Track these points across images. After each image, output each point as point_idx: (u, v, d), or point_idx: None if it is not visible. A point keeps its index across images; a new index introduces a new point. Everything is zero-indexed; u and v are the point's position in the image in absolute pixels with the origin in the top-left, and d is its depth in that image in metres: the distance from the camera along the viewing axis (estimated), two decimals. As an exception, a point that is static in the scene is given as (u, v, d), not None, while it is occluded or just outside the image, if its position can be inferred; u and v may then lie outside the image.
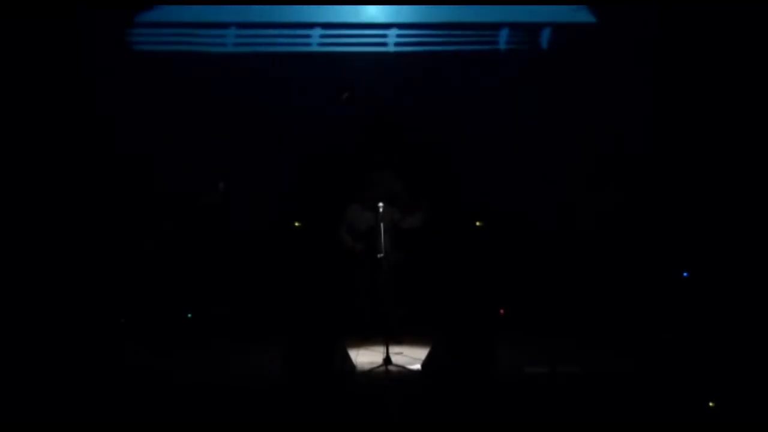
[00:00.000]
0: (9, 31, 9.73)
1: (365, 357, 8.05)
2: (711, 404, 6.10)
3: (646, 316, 8.46)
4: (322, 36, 10.29)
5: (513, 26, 10.31)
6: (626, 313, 8.49)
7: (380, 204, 8.34)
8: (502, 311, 9.88)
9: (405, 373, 7.54)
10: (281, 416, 6.24)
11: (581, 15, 10.24)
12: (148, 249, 8.84)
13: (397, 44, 10.32)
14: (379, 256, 8.10)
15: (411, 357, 8.01)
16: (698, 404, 6.21)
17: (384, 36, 10.31)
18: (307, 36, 10.30)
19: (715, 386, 6.73)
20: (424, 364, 7.56)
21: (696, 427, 5.71)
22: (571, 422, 5.80)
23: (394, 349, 8.00)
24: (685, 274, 9.67)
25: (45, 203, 9.60)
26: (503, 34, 10.33)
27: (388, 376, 7.48)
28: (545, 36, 10.31)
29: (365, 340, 8.75)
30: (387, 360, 7.65)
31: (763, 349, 7.72)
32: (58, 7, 9.48)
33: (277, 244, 9.95)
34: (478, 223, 9.87)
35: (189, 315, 9.76)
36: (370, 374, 7.49)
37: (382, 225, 8.17)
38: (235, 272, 9.17)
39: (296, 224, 9.94)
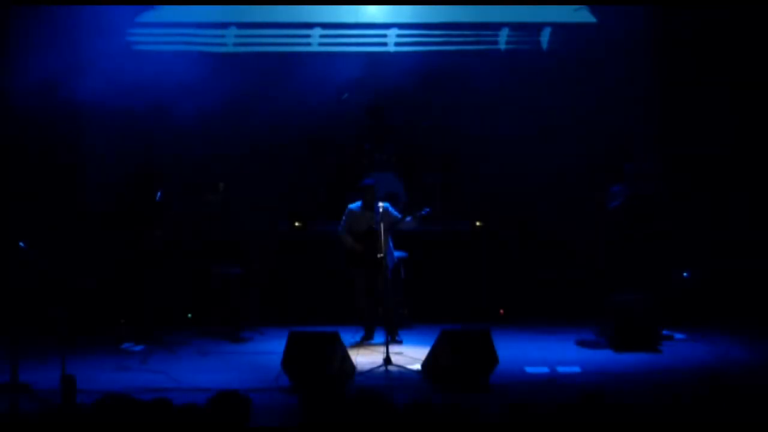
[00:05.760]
0: (8, 30, 9.76)
1: (365, 357, 8.04)
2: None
3: (646, 315, 8.45)
4: (322, 36, 10.28)
5: (513, 26, 10.31)
6: (626, 313, 8.48)
7: (380, 204, 8.34)
8: (502, 311, 9.87)
9: (405, 373, 7.54)
10: (281, 417, 6.24)
11: (581, 15, 10.24)
12: (146, 249, 8.83)
13: (397, 44, 10.31)
14: (379, 256, 8.09)
15: (411, 357, 8.00)
16: (698, 403, 6.20)
17: (384, 36, 10.30)
18: (307, 36, 10.29)
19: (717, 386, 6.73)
20: (424, 364, 7.56)
21: (696, 427, 5.70)
22: (571, 422, 5.79)
23: (394, 349, 8.00)
24: (685, 274, 9.67)
25: (44, 202, 9.60)
26: (503, 34, 10.32)
27: (388, 376, 7.48)
28: (545, 36, 10.30)
29: (365, 339, 8.76)
30: (387, 360, 7.64)
31: None
32: None
33: (277, 245, 9.93)
34: (478, 223, 9.86)
35: (189, 315, 9.76)
36: (370, 374, 7.50)
37: (382, 225, 8.16)
38: (234, 272, 9.15)
39: (296, 224, 9.92)
